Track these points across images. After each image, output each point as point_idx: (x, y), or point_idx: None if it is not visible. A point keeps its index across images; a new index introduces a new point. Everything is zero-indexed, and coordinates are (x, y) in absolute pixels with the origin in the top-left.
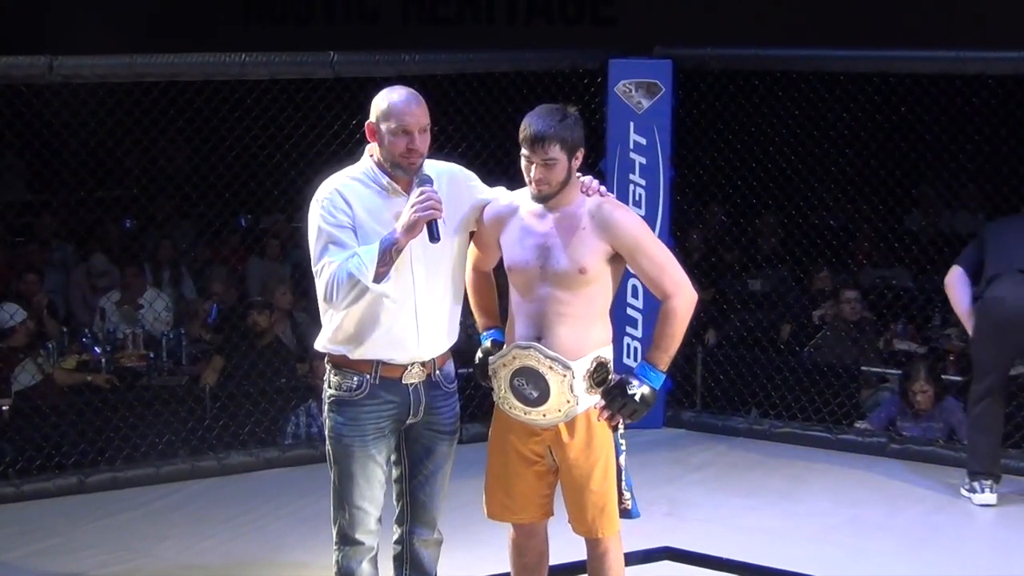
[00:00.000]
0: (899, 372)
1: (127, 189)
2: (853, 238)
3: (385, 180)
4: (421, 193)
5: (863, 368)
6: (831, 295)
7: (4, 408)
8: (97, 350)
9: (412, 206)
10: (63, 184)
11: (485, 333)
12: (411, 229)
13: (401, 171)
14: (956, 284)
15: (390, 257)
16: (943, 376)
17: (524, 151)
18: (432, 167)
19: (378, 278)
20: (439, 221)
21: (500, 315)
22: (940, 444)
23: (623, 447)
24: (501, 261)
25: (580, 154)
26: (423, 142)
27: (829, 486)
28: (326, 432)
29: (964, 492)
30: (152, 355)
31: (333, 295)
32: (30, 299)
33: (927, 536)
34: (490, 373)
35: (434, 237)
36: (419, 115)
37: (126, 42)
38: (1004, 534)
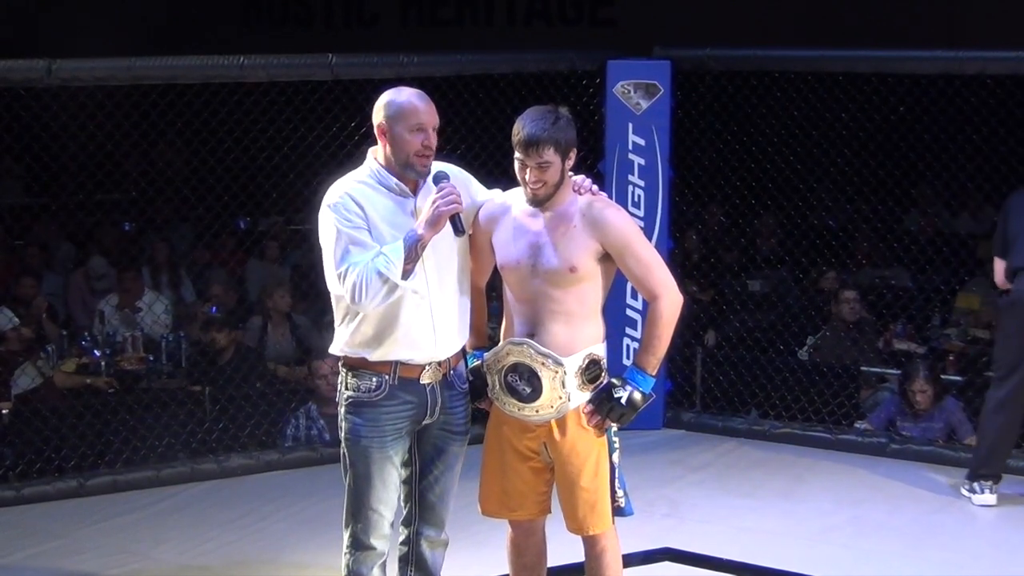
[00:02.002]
0: (898, 372)
1: (126, 192)
2: (852, 238)
3: (393, 181)
4: (441, 189)
5: (863, 368)
6: (831, 296)
7: (4, 412)
8: (97, 353)
9: (434, 202)
10: (62, 187)
11: (473, 353)
12: (435, 224)
13: (413, 171)
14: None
15: (415, 254)
16: (943, 376)
17: (518, 154)
18: (434, 167)
19: (405, 275)
20: (460, 215)
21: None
22: (940, 444)
23: (616, 445)
24: (495, 272)
25: (573, 154)
26: (435, 140)
27: (829, 486)
28: (342, 435)
29: (964, 492)
30: (151, 358)
31: (362, 296)
32: (28, 303)
33: (927, 536)
34: (484, 369)
35: (458, 230)
36: (432, 113)
37: (125, 45)
38: (1004, 534)
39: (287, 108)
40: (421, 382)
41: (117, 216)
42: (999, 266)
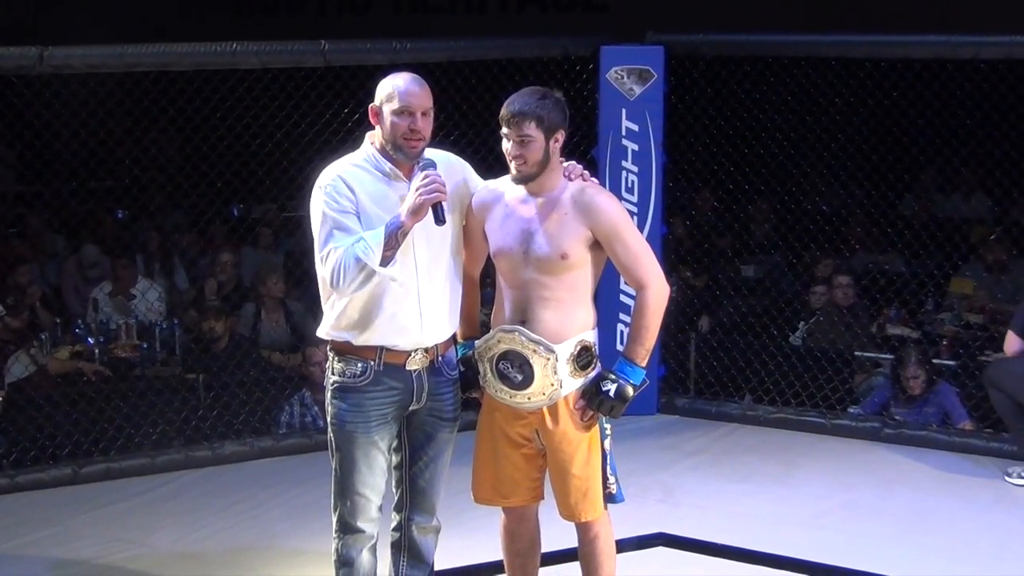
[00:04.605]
0: (892, 357)
1: (119, 180)
2: (846, 223)
3: (387, 166)
4: (426, 176)
5: (856, 353)
6: (824, 281)
7: None
8: (91, 341)
9: (417, 189)
10: (55, 175)
11: (464, 343)
12: (416, 212)
13: (403, 154)
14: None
15: (396, 240)
16: (936, 361)
17: (503, 129)
18: (429, 154)
19: (384, 262)
20: (443, 204)
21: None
22: (933, 429)
23: (608, 431)
24: (488, 262)
25: (560, 136)
26: (425, 125)
27: (823, 471)
28: (328, 419)
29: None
30: (145, 345)
31: (340, 280)
32: (23, 291)
33: (921, 520)
34: (476, 357)
35: (439, 220)
36: (421, 97)
37: (117, 34)
38: (998, 517)
39: (280, 95)
40: (407, 368)
41: (110, 203)
42: (1013, 341)
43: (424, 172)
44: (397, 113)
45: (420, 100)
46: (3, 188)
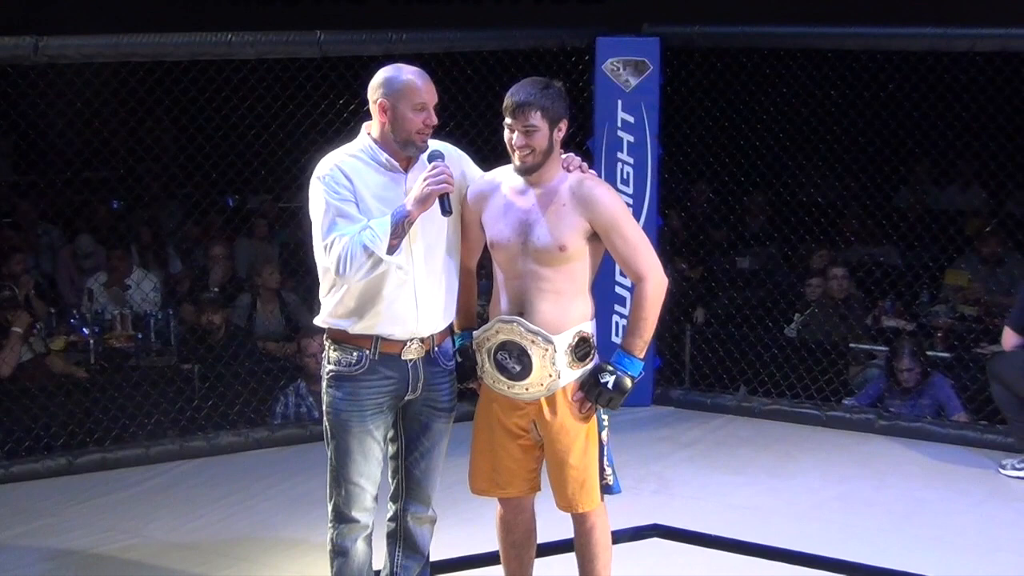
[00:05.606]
0: (887, 349)
1: (114, 170)
2: (841, 216)
3: (384, 157)
4: (434, 167)
5: (851, 345)
6: (819, 273)
7: None
8: (85, 331)
9: (425, 179)
10: (50, 165)
11: (461, 334)
12: (424, 202)
13: (413, 147)
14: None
15: (402, 229)
16: (930, 353)
17: (507, 120)
18: (432, 145)
19: (391, 250)
20: (449, 195)
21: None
22: (928, 421)
23: (605, 423)
24: (485, 251)
25: (563, 126)
26: (435, 117)
27: (818, 463)
28: (324, 408)
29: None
30: (140, 336)
31: (346, 267)
32: (17, 280)
33: (915, 512)
34: (474, 348)
35: (445, 210)
36: (433, 91)
37: (111, 22)
38: (991, 509)
39: (275, 85)
40: (403, 358)
41: (105, 194)
42: (1009, 336)
43: (433, 163)
44: (415, 109)
45: (433, 95)
46: None
